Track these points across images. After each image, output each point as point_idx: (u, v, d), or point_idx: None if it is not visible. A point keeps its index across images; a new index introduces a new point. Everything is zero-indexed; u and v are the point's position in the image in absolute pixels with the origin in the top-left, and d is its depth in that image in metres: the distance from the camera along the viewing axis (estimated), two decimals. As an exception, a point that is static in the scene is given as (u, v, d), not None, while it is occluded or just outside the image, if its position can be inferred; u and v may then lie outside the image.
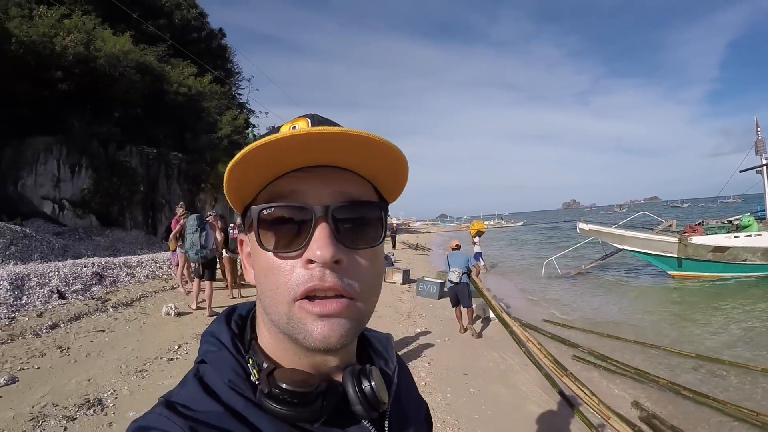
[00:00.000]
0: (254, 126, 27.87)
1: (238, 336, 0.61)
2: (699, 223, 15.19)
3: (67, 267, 7.99)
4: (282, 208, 0.53)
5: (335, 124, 0.57)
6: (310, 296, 0.51)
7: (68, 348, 5.58)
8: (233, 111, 20.69)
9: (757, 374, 5.80)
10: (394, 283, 12.34)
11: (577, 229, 15.10)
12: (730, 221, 15.12)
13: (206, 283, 7.81)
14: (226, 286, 9.57)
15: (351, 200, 0.54)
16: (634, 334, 7.63)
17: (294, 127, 0.55)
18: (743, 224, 13.75)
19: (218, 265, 9.23)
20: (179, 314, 7.42)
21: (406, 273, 12.82)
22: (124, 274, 8.93)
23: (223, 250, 9.18)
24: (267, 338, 0.59)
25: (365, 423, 0.58)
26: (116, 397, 4.30)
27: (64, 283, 7.37)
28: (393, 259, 16.73)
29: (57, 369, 4.95)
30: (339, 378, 0.60)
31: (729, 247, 12.61)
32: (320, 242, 0.51)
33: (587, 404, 4.69)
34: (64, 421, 3.77)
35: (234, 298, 9.27)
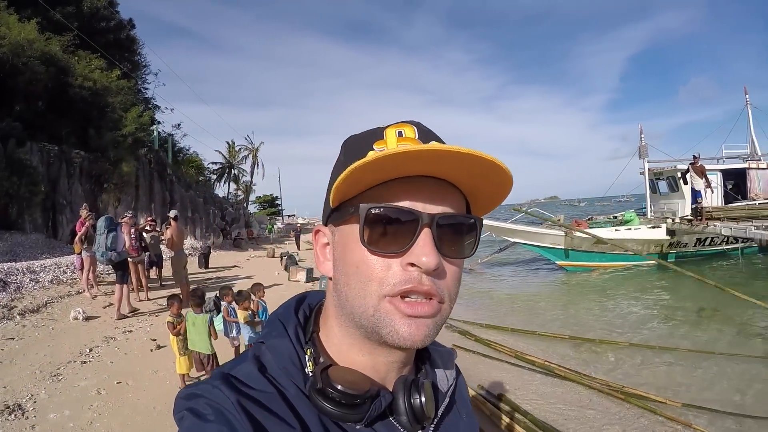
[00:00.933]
0: (159, 122, 26.66)
1: (302, 325, 0.63)
2: (588, 218, 16.96)
3: (-32, 274, 7.89)
4: (391, 210, 0.54)
5: (436, 135, 0.60)
6: (403, 295, 0.53)
7: (-22, 357, 5.67)
8: (138, 107, 19.80)
9: (625, 348, 6.70)
10: (298, 281, 12.65)
11: None
12: (615, 217, 17.05)
13: (116, 286, 7.94)
14: (132, 289, 9.51)
15: (454, 213, 0.56)
16: (520, 324, 8.28)
17: (400, 132, 0.58)
18: (626, 219, 15.49)
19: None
20: (87, 318, 7.59)
21: (309, 271, 13.04)
22: (27, 280, 8.85)
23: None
24: (334, 331, 0.61)
25: None
26: (35, 401, 4.62)
27: (-35, 291, 7.34)
28: (297, 259, 16.72)
29: (-30, 378, 5.08)
30: (391, 384, 0.61)
31: (609, 239, 13.78)
32: (425, 249, 0.53)
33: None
34: (-14, 427, 4.03)
35: (141, 300, 9.37)
